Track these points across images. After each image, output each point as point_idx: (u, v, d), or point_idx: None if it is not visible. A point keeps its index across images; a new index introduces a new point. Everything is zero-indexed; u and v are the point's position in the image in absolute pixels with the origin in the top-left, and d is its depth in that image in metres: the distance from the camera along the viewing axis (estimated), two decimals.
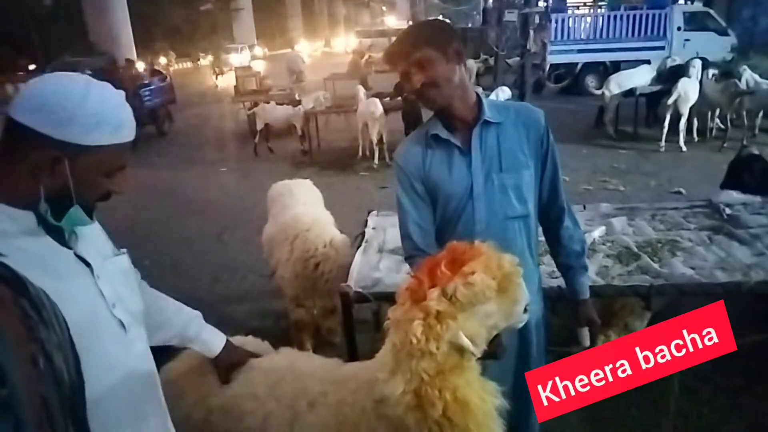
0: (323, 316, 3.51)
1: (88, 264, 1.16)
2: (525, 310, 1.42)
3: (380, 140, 8.30)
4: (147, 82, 11.38)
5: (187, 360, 1.73)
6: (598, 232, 3.09)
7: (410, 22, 22.42)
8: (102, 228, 1.31)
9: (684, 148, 8.13)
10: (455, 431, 1.32)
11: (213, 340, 1.64)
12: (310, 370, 1.65)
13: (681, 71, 8.53)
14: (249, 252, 4.95)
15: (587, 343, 1.55)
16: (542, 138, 1.75)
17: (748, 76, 7.98)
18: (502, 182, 1.71)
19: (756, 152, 3.89)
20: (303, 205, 3.57)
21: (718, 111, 8.60)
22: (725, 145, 7.96)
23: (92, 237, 1.23)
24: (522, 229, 1.78)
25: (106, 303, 1.16)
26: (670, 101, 7.95)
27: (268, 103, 9.40)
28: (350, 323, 2.54)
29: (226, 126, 11.90)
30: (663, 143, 8.18)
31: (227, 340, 1.67)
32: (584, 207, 3.54)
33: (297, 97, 9.99)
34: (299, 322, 3.43)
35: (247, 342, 1.81)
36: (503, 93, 8.54)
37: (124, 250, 1.31)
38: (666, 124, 8.15)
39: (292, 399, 1.54)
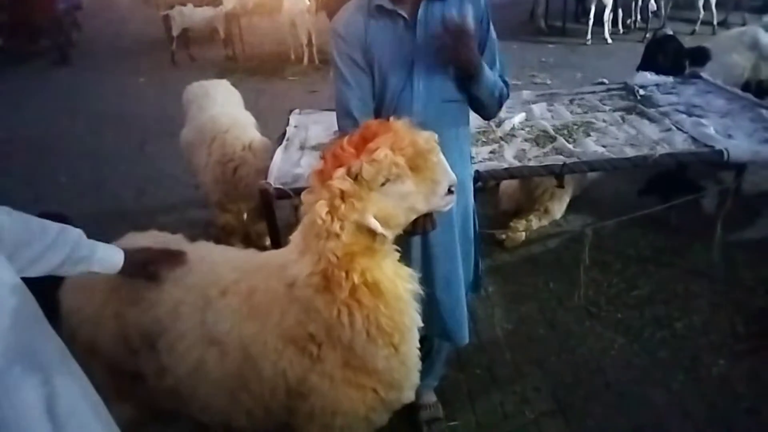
0: (251, 220, 3.47)
1: None
2: (451, 191, 1.35)
3: (309, 41, 7.92)
4: None
5: None
6: (518, 118, 3.13)
7: None
8: None
9: (609, 40, 8.22)
10: (365, 313, 1.30)
11: (110, 256, 1.46)
12: (224, 260, 1.62)
13: None
14: (173, 162, 4.73)
15: None
16: (482, 18, 1.68)
17: None
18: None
19: (670, 32, 3.95)
20: (220, 106, 3.41)
21: (640, 2, 8.67)
22: (647, 35, 8.07)
23: None
24: (458, 113, 1.75)
25: None
26: None
27: (184, 5, 8.70)
28: (272, 220, 2.51)
29: (142, 32, 11.00)
30: (589, 36, 8.24)
31: (125, 252, 1.49)
32: None
33: None
34: (226, 226, 3.38)
35: (155, 236, 1.75)
36: None
37: None
38: (591, 16, 8.17)
39: (203, 287, 1.51)
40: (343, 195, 1.25)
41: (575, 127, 2.97)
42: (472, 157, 2.07)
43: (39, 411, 0.93)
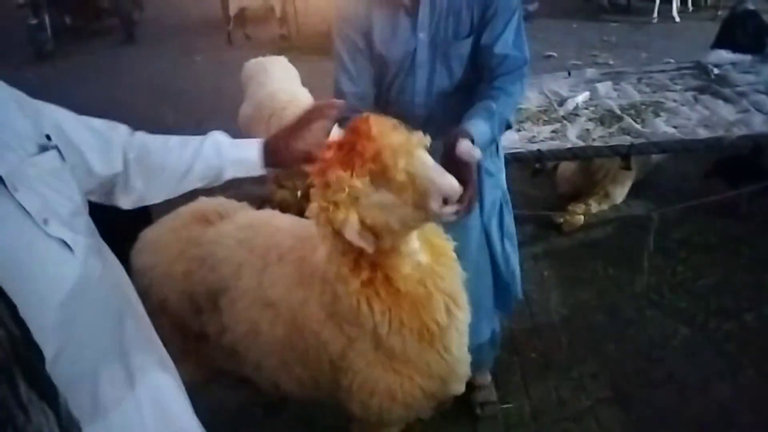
0: (306, 196, 3.48)
1: None
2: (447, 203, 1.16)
3: None
4: None
5: (165, 222, 1.79)
6: (581, 97, 3.02)
7: None
8: (21, 106, 0.94)
9: (677, 19, 7.79)
10: (385, 305, 1.29)
11: (245, 151, 1.23)
12: (286, 226, 1.68)
13: None
14: None
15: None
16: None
17: None
18: (448, 51, 1.56)
19: (752, 7, 3.70)
20: (278, 82, 3.44)
21: None
22: (719, 13, 7.62)
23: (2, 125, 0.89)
24: (469, 106, 1.57)
25: (33, 221, 0.86)
26: None
27: None
28: None
29: (199, 12, 11.21)
30: (656, 14, 7.84)
31: (262, 142, 1.25)
32: (569, 74, 3.43)
33: None
34: (282, 203, 3.41)
35: (222, 202, 1.83)
36: None
37: (53, 142, 0.95)
38: None
39: (264, 250, 1.57)
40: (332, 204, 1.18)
41: (643, 107, 2.84)
42: (533, 136, 1.98)
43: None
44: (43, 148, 0.93)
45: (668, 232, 3.10)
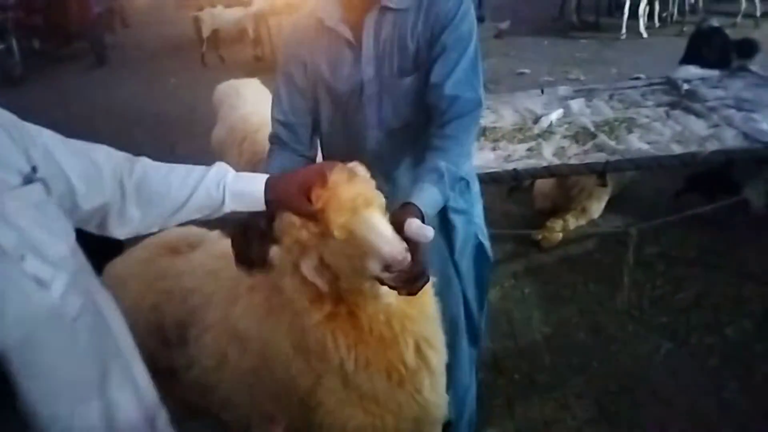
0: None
1: None
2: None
3: None
4: None
5: (131, 254, 1.72)
6: (555, 115, 3.03)
7: None
8: (9, 133, 0.91)
9: (645, 35, 7.98)
10: (349, 340, 1.24)
11: (249, 185, 1.18)
12: None
13: None
14: (204, 163, 4.71)
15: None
16: (445, 26, 1.38)
17: None
18: (396, 86, 1.44)
19: (716, 24, 3.79)
20: (251, 105, 3.38)
21: None
22: (684, 29, 7.82)
23: None
24: (417, 137, 1.48)
25: (8, 257, 0.83)
26: None
27: (214, 6, 8.77)
28: None
29: (173, 33, 11.15)
30: (624, 31, 8.01)
31: (268, 177, 1.20)
32: (542, 91, 3.45)
33: None
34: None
35: (193, 232, 1.77)
36: None
37: (40, 174, 0.91)
38: (626, 10, 7.95)
39: (235, 281, 1.50)
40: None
41: (616, 123, 2.86)
42: (509, 155, 1.89)
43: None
44: (28, 180, 0.89)
45: (646, 247, 3.11)
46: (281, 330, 1.39)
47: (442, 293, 1.43)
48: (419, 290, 1.15)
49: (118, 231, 1.12)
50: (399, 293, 1.14)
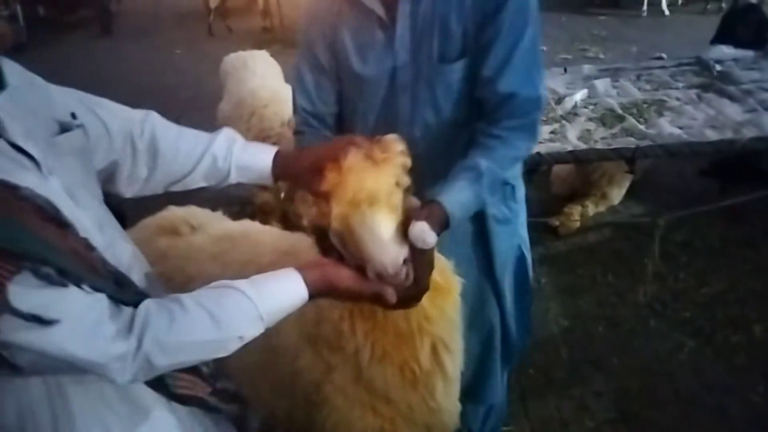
0: (289, 199, 3.31)
1: (30, 156, 0.81)
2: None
3: None
4: None
5: (130, 234, 1.57)
6: (579, 95, 2.87)
7: None
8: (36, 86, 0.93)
9: (666, 12, 7.69)
10: (368, 326, 1.18)
11: (257, 158, 1.11)
12: (266, 240, 1.53)
13: None
14: None
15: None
16: (500, 5, 1.16)
17: None
18: (436, 73, 1.24)
19: (754, 1, 3.57)
20: (260, 78, 3.24)
21: None
22: (708, 7, 7.55)
23: (26, 106, 0.87)
24: (459, 139, 1.30)
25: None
26: None
27: None
28: None
29: (180, 2, 10.90)
30: (645, 7, 7.73)
31: (278, 151, 1.12)
32: (565, 70, 3.28)
33: None
34: (264, 206, 3.24)
35: (194, 211, 1.68)
36: None
37: (78, 120, 0.94)
38: None
39: (241, 266, 1.42)
40: None
41: (645, 105, 2.70)
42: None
43: None
44: (65, 127, 0.92)
45: (668, 236, 2.96)
46: (290, 318, 1.28)
47: (475, 311, 1.32)
48: (405, 308, 1.05)
49: (126, 190, 1.10)
50: (383, 307, 1.03)
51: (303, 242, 1.49)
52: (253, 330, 0.90)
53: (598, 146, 2.35)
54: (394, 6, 1.20)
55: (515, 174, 1.44)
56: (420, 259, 1.00)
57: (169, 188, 1.13)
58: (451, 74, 1.23)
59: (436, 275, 1.15)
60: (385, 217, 0.97)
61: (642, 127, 2.45)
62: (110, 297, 0.82)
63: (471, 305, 1.32)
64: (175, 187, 1.12)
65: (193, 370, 1.00)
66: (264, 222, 3.20)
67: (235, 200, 3.87)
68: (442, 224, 1.08)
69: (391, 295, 0.97)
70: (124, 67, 7.27)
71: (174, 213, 1.67)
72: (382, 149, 0.98)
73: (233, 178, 1.11)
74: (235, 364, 1.36)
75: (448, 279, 1.21)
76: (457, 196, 1.13)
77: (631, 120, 2.52)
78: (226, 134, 1.13)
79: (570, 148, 2.32)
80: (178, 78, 6.77)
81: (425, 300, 1.11)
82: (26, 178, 0.77)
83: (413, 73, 1.25)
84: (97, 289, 0.80)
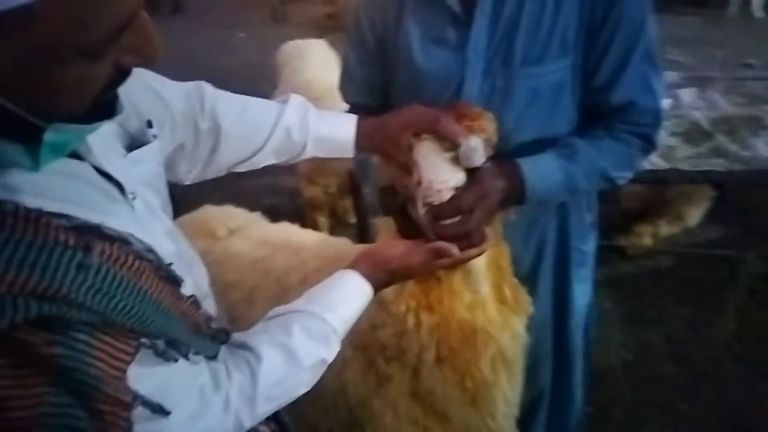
0: (339, 195, 3.20)
1: (116, 182, 0.68)
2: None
3: None
4: None
5: None
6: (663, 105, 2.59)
7: None
8: None
9: (757, 14, 7.13)
10: (434, 321, 1.09)
11: (337, 128, 1.00)
12: (310, 245, 1.45)
13: None
14: None
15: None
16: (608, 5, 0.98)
17: None
18: (517, 78, 1.03)
19: None
20: (315, 70, 3.12)
21: None
22: None
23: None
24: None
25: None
26: None
27: None
28: (359, 197, 2.24)
29: None
30: (735, 8, 7.19)
31: (359, 119, 1.00)
32: None
33: None
34: (312, 200, 3.13)
35: (231, 212, 1.61)
36: None
37: (154, 130, 0.80)
38: None
39: (283, 272, 1.35)
40: None
41: (738, 122, 2.40)
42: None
43: None
44: (142, 139, 0.78)
45: (754, 268, 2.67)
46: None
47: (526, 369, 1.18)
48: (464, 261, 0.94)
49: (187, 176, 0.99)
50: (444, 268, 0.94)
51: (347, 247, 1.45)
52: (332, 348, 0.84)
53: (683, 166, 2.10)
54: (472, 4, 1.02)
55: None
56: (475, 190, 0.91)
57: (234, 169, 1.01)
58: (538, 79, 1.04)
59: (505, 288, 1.09)
60: (449, 156, 0.93)
61: (734, 147, 2.17)
62: (208, 358, 0.73)
63: (530, 360, 1.19)
64: (241, 167, 1.01)
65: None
66: (312, 217, 3.13)
67: (285, 190, 3.80)
68: (514, 188, 0.99)
69: (446, 248, 0.89)
70: (187, 48, 7.34)
71: (210, 213, 1.58)
72: (471, 118, 0.93)
73: (309, 152, 1.00)
74: None
75: (518, 295, 1.13)
76: (542, 167, 1.00)
77: (721, 138, 2.25)
78: (297, 102, 1.01)
79: (649, 166, 2.07)
80: (238, 61, 6.78)
81: (490, 304, 1.06)
82: (121, 218, 0.64)
83: (487, 79, 1.06)
84: (197, 353, 0.70)
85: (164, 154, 0.88)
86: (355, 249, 1.36)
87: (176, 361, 0.64)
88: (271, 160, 1.01)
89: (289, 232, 1.59)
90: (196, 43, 7.55)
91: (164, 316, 0.62)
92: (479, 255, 0.95)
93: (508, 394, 1.17)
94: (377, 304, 1.14)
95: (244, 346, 0.79)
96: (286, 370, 0.78)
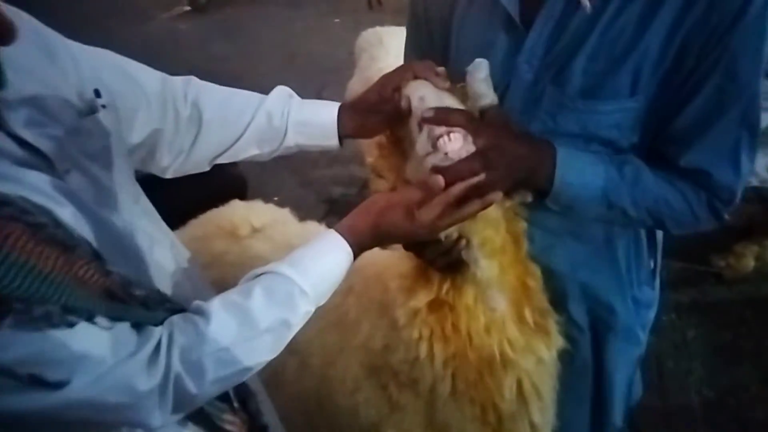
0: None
1: (39, 152, 0.68)
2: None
3: None
4: None
5: (181, 234, 1.52)
6: None
7: None
8: (54, 56, 0.75)
9: None
10: (450, 351, 1.01)
11: (317, 114, 0.99)
12: None
13: None
14: None
15: None
16: (721, 34, 0.75)
17: None
18: (568, 110, 0.87)
19: None
20: (394, 58, 3.03)
21: None
22: None
23: (40, 81, 0.71)
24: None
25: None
26: None
27: None
28: None
29: None
30: None
31: (342, 104, 1.02)
32: None
33: None
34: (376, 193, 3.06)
35: (260, 208, 1.58)
36: None
37: (102, 99, 0.79)
38: None
39: None
40: None
41: None
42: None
43: None
44: (89, 110, 0.77)
45: None
46: (351, 345, 1.19)
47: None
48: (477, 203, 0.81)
49: (166, 166, 0.99)
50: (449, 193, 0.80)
51: (369, 252, 1.35)
52: (297, 310, 0.78)
53: None
54: (535, 8, 0.86)
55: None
56: (487, 132, 0.82)
57: (216, 160, 1.02)
58: (591, 115, 0.86)
59: (526, 310, 0.98)
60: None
61: None
62: (135, 324, 0.71)
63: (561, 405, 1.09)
64: (221, 158, 1.01)
65: (234, 410, 0.92)
66: None
67: (355, 180, 3.75)
68: (540, 164, 0.86)
69: (436, 179, 0.79)
70: (280, 34, 7.51)
71: (236, 210, 1.56)
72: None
73: (290, 139, 0.98)
74: (289, 392, 1.28)
75: (544, 322, 1.01)
76: (581, 160, 0.87)
77: None
78: (281, 90, 1.01)
79: (756, 183, 1.79)
80: (330, 48, 6.82)
81: (509, 323, 0.96)
82: (28, 182, 0.64)
83: (532, 97, 0.91)
84: (116, 319, 0.68)
85: (139, 136, 0.90)
86: (379, 255, 1.26)
87: (72, 326, 0.62)
88: (253, 150, 1.00)
89: (313, 234, 1.54)
90: (290, 29, 7.70)
91: (39, 279, 0.59)
92: (482, 209, 0.82)
93: (536, 424, 1.06)
94: (389, 325, 1.07)
95: (197, 310, 0.77)
96: (239, 333, 0.74)
